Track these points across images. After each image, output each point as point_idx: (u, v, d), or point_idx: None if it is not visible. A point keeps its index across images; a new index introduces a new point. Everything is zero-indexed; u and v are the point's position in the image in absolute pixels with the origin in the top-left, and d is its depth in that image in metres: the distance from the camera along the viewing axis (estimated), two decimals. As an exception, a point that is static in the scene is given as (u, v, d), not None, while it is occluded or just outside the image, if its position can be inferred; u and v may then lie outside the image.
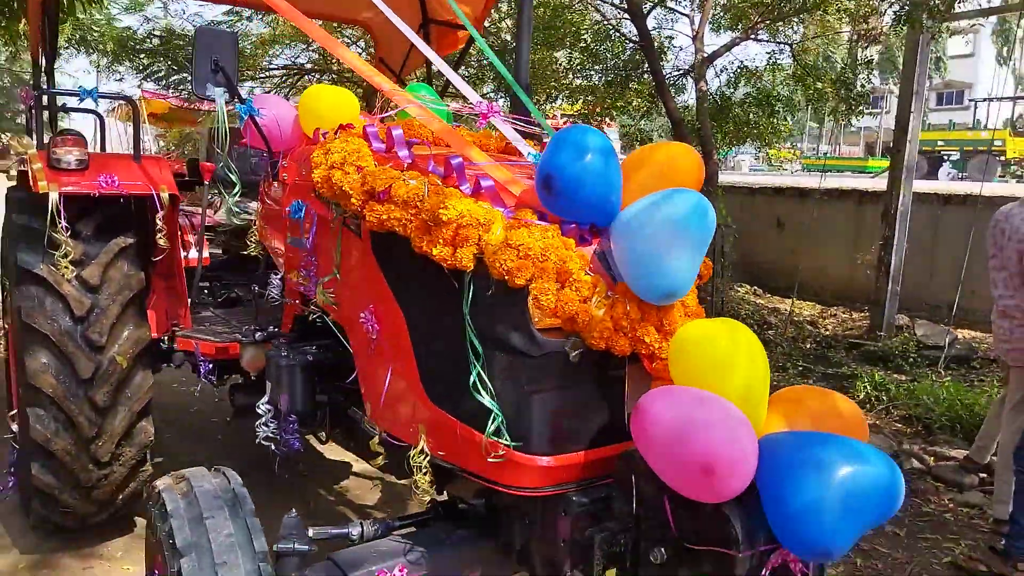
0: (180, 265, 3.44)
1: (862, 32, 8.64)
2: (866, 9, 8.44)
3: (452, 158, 2.01)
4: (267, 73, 14.25)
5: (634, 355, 1.82)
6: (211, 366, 3.23)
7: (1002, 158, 27.81)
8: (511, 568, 2.20)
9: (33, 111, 3.83)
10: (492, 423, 1.80)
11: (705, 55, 9.10)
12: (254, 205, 3.82)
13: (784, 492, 1.42)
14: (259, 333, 2.95)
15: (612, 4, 9.14)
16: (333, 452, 4.61)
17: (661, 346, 1.77)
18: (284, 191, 2.85)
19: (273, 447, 2.71)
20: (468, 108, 2.34)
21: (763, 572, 1.50)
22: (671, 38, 8.86)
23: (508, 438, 1.80)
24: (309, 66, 13.60)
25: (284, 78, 14.30)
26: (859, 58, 8.88)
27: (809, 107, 10.04)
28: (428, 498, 2.07)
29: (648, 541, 1.66)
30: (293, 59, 14.26)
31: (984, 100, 28.61)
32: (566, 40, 8.81)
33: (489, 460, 1.83)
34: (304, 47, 13.49)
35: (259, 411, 2.72)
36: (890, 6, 7.99)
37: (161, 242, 3.34)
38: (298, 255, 2.77)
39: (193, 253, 3.85)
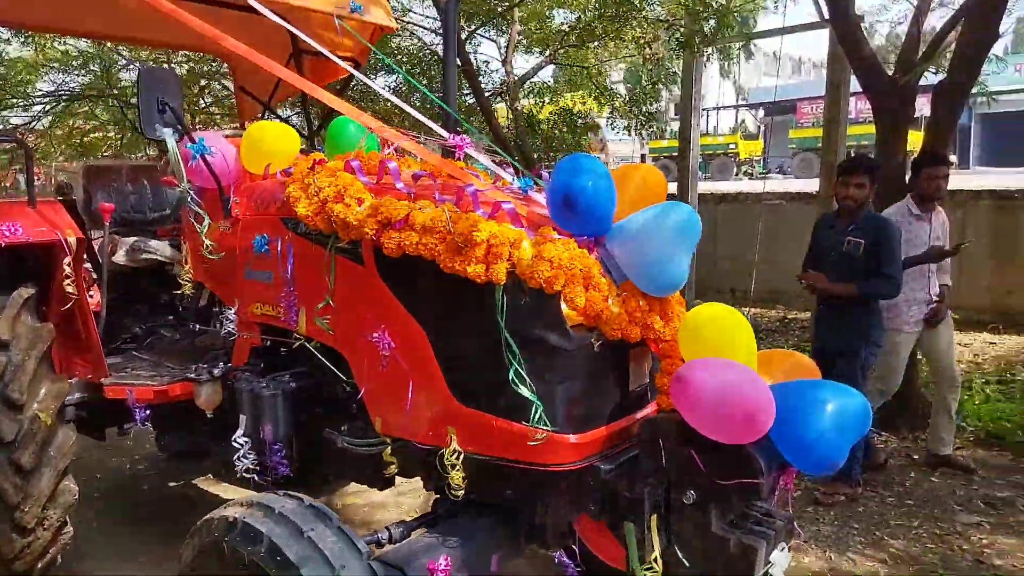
0: (88, 312, 3.26)
1: (647, 56, 9.82)
2: (649, 37, 9.61)
3: (467, 187, 2.27)
4: (30, 100, 12.82)
5: (634, 341, 2.22)
6: (148, 412, 3.12)
7: (736, 159, 32.40)
8: (522, 547, 2.50)
9: None
10: (535, 412, 2.10)
11: (515, 78, 9.81)
12: (154, 243, 3.71)
13: (797, 426, 1.89)
14: (217, 369, 2.94)
15: (431, 30, 9.53)
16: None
17: (665, 330, 2.19)
18: (236, 227, 2.89)
19: (256, 478, 2.74)
20: (442, 141, 2.60)
21: (775, 489, 1.96)
22: (487, 62, 9.45)
23: (548, 423, 2.11)
24: (87, 91, 12.44)
25: (51, 104, 12.95)
26: (646, 80, 10.03)
27: (609, 123, 11.14)
28: (460, 494, 2.28)
29: (679, 487, 2.06)
30: (60, 84, 12.95)
31: (714, 109, 33.16)
32: (385, 64, 9.05)
33: (529, 444, 2.13)
34: (77, 71, 12.31)
35: (236, 444, 2.75)
36: (671, 36, 9.21)
37: (69, 289, 3.17)
38: (260, 288, 2.83)
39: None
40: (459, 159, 2.65)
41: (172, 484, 4.82)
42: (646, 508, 2.04)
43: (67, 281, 3.15)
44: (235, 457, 2.75)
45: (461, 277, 2.15)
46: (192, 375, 2.97)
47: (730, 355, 2.00)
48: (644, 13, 8.71)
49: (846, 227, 4.44)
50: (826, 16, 9.14)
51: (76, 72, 12.44)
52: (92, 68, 12.04)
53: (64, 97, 12.67)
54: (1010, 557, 3.87)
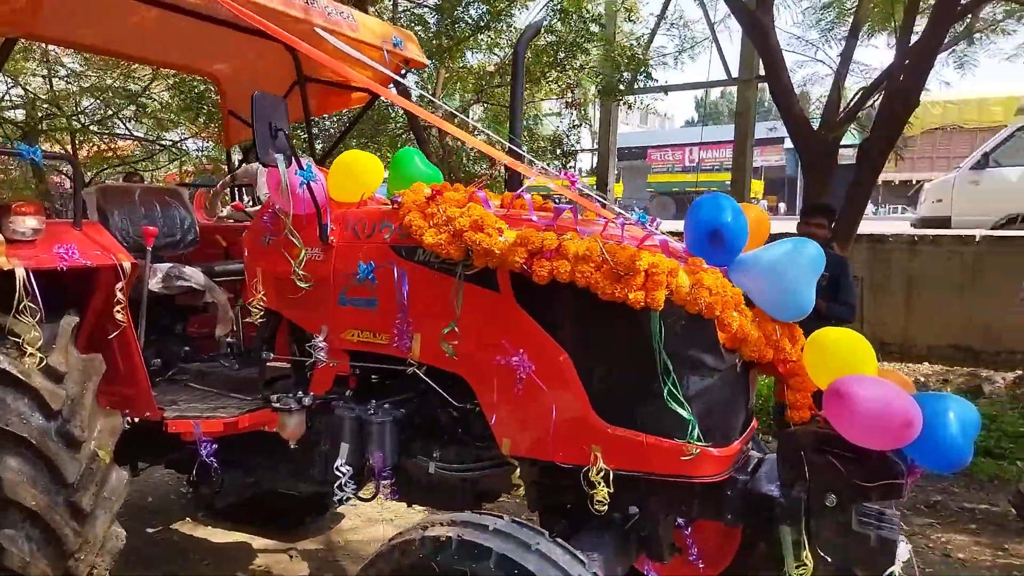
0: (134, 341, 3.07)
1: (568, 101, 10.35)
2: (571, 83, 10.15)
3: (619, 220, 2.44)
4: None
5: (764, 362, 2.46)
6: (215, 447, 2.97)
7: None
8: (633, 559, 2.64)
9: None
10: (692, 429, 2.28)
11: (442, 114, 10.01)
12: (188, 270, 3.56)
13: (931, 433, 2.18)
14: (307, 398, 2.87)
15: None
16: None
17: (792, 351, 2.44)
18: (328, 255, 2.86)
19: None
20: (552, 176, 2.74)
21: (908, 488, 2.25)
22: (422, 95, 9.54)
23: (702, 439, 2.29)
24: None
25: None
26: (569, 122, 10.56)
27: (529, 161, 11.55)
28: (604, 509, 2.39)
29: (818, 491, 2.29)
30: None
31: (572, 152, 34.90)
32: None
33: (681, 459, 2.30)
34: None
35: (338, 473, 2.71)
36: (594, 84, 9.81)
37: (119, 316, 2.99)
38: (358, 315, 2.83)
39: None
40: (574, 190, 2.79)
41: (150, 531, 4.49)
42: (800, 513, 2.25)
43: (117, 308, 2.97)
44: (336, 485, 2.71)
45: (610, 303, 2.31)
46: (277, 404, 2.88)
47: (862, 371, 2.28)
48: (576, 61, 9.20)
49: None
50: (734, 75, 10.11)
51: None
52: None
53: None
54: (967, 550, 4.43)
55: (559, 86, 10.07)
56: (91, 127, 12.51)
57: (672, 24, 11.03)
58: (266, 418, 3.05)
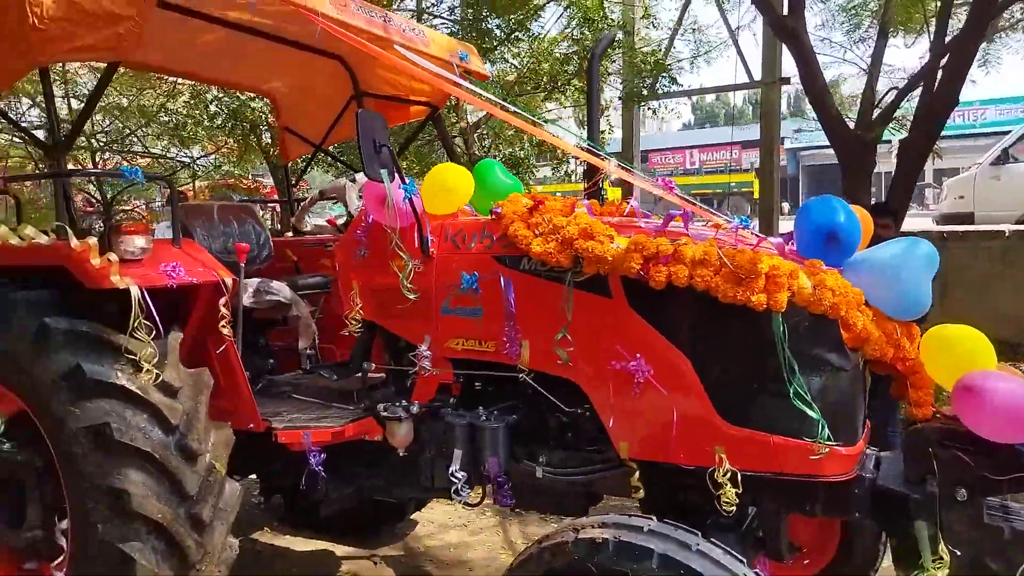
0: (236, 355, 3.11)
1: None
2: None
3: (737, 226, 2.49)
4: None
5: (884, 360, 2.50)
6: (323, 456, 3.01)
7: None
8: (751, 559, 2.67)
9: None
10: (821, 428, 2.32)
11: (468, 122, 10.11)
12: (276, 284, 3.60)
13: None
14: (414, 406, 2.91)
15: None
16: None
17: (911, 349, 2.48)
18: (429, 266, 2.90)
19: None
20: (651, 184, 2.79)
21: None
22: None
23: (831, 438, 2.33)
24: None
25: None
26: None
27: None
28: (732, 510, 2.42)
29: (947, 486, 2.32)
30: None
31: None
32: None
33: (811, 459, 2.34)
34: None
35: (455, 479, 2.75)
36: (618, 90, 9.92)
37: (225, 331, 3.04)
38: (463, 324, 2.88)
39: None
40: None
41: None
42: (935, 508, 2.29)
43: (223, 323, 3.02)
44: (452, 491, 2.76)
45: (729, 305, 2.35)
46: (385, 413, 2.92)
47: (984, 366, 2.32)
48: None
49: None
50: (756, 78, 10.18)
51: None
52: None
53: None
54: None
55: (584, 94, 10.14)
56: (113, 145, 12.63)
57: (689, 30, 11.14)
58: (370, 427, 3.09)
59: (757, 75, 10.38)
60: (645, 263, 2.45)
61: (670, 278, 2.41)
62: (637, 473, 2.60)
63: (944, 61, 5.97)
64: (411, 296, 2.85)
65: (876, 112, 6.88)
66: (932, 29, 6.28)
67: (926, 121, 6.09)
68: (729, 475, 2.39)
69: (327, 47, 4.14)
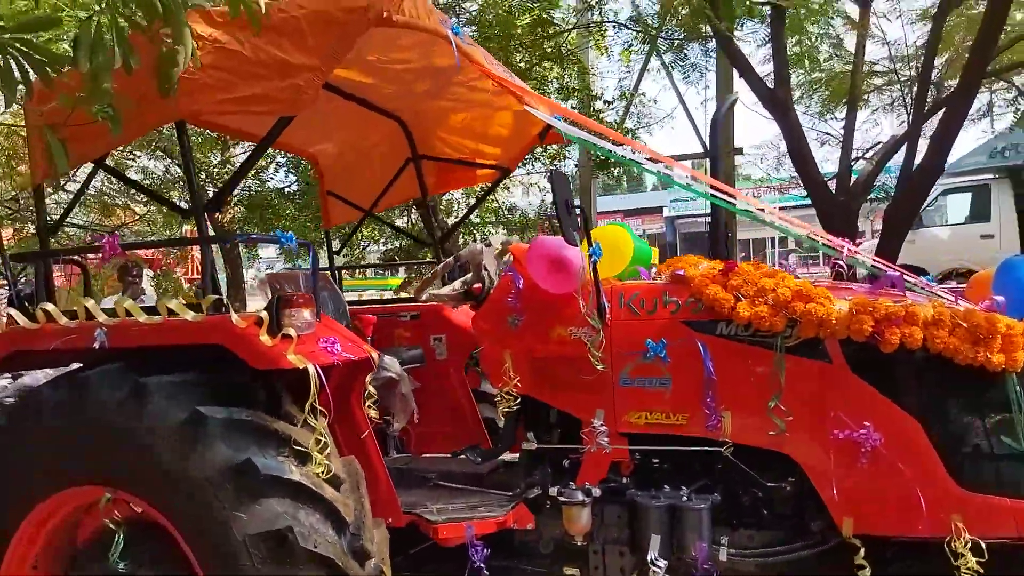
0: (374, 439, 2.77)
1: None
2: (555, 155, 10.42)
3: (945, 288, 2.48)
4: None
5: None
6: (487, 551, 2.68)
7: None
8: None
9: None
10: None
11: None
12: (387, 359, 3.29)
13: None
14: (595, 489, 2.67)
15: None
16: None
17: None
18: (607, 335, 2.72)
19: None
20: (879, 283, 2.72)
21: None
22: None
23: None
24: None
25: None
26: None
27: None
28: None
29: None
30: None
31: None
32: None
33: None
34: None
35: (655, 569, 2.52)
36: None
37: (372, 413, 2.72)
38: (646, 395, 2.70)
39: None
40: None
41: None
42: None
43: (369, 403, 2.70)
44: (654, 582, 2.52)
45: (960, 366, 2.32)
46: (563, 498, 2.66)
47: None
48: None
49: None
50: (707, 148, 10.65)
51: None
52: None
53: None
54: None
55: (546, 157, 10.28)
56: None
57: (638, 102, 11.60)
58: (521, 514, 2.81)
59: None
60: (876, 325, 2.39)
61: (903, 340, 2.36)
62: (862, 551, 2.46)
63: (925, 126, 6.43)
64: (599, 367, 2.65)
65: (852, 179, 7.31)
66: (909, 99, 6.79)
67: (912, 191, 6.50)
68: (969, 544, 2.32)
69: (388, 107, 3.95)
